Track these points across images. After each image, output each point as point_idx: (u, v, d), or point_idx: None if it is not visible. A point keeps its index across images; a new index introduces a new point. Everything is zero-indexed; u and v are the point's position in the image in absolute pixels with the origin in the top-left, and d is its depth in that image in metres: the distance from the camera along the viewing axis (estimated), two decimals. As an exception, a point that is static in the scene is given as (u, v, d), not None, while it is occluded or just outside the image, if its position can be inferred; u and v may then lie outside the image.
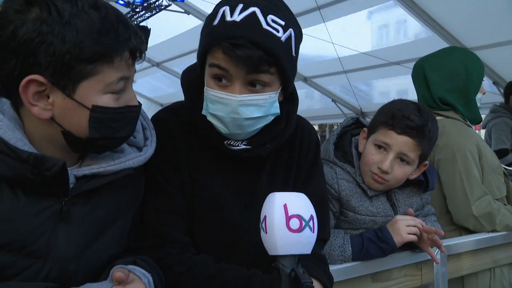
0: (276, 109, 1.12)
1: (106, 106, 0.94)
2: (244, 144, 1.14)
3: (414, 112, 1.45)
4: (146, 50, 0.99)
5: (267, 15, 1.03)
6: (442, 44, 5.29)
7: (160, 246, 1.11)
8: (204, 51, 1.07)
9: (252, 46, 1.00)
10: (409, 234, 1.45)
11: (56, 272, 0.96)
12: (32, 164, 0.89)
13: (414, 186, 1.59)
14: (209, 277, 1.08)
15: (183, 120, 1.19)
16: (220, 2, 1.09)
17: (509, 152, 3.98)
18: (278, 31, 1.03)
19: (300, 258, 0.91)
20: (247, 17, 1.02)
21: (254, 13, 1.03)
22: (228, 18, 1.03)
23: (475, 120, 2.06)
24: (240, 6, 1.04)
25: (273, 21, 1.03)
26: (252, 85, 1.07)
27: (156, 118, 1.22)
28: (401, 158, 1.46)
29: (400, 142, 1.44)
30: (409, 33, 6.08)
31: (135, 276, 0.96)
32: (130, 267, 0.99)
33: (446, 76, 2.00)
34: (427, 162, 1.56)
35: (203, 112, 1.12)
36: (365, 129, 1.57)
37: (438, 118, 1.99)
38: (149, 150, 1.09)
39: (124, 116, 0.98)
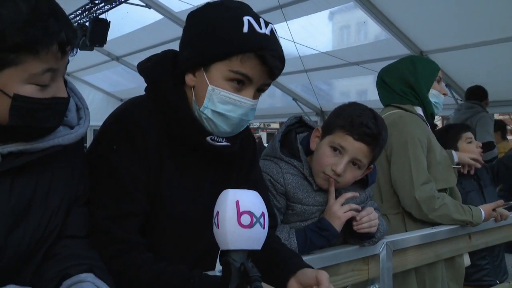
0: (255, 111, 1.21)
1: (29, 96, 0.93)
2: (225, 141, 1.20)
3: (371, 120, 1.50)
4: (79, 45, 0.98)
5: (276, 32, 1.15)
6: (399, 47, 5.47)
7: (107, 244, 1.11)
8: (227, 54, 1.10)
9: (281, 59, 1.12)
10: (345, 213, 1.52)
11: None
12: None
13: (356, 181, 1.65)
14: (145, 281, 1.09)
15: (153, 116, 1.18)
16: (233, 8, 1.13)
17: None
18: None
19: (250, 254, 0.93)
20: (271, 32, 1.13)
21: (272, 29, 1.14)
22: (258, 29, 1.10)
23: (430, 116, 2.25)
24: (262, 20, 1.13)
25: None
26: (257, 91, 1.16)
27: (124, 114, 1.19)
28: (354, 162, 1.51)
29: (356, 148, 1.48)
30: (369, 35, 6.21)
31: None
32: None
33: (399, 76, 2.23)
34: (372, 166, 1.62)
35: (202, 108, 1.15)
36: (319, 128, 1.60)
37: (397, 111, 2.18)
38: (81, 129, 1.08)
39: (50, 107, 0.98)
